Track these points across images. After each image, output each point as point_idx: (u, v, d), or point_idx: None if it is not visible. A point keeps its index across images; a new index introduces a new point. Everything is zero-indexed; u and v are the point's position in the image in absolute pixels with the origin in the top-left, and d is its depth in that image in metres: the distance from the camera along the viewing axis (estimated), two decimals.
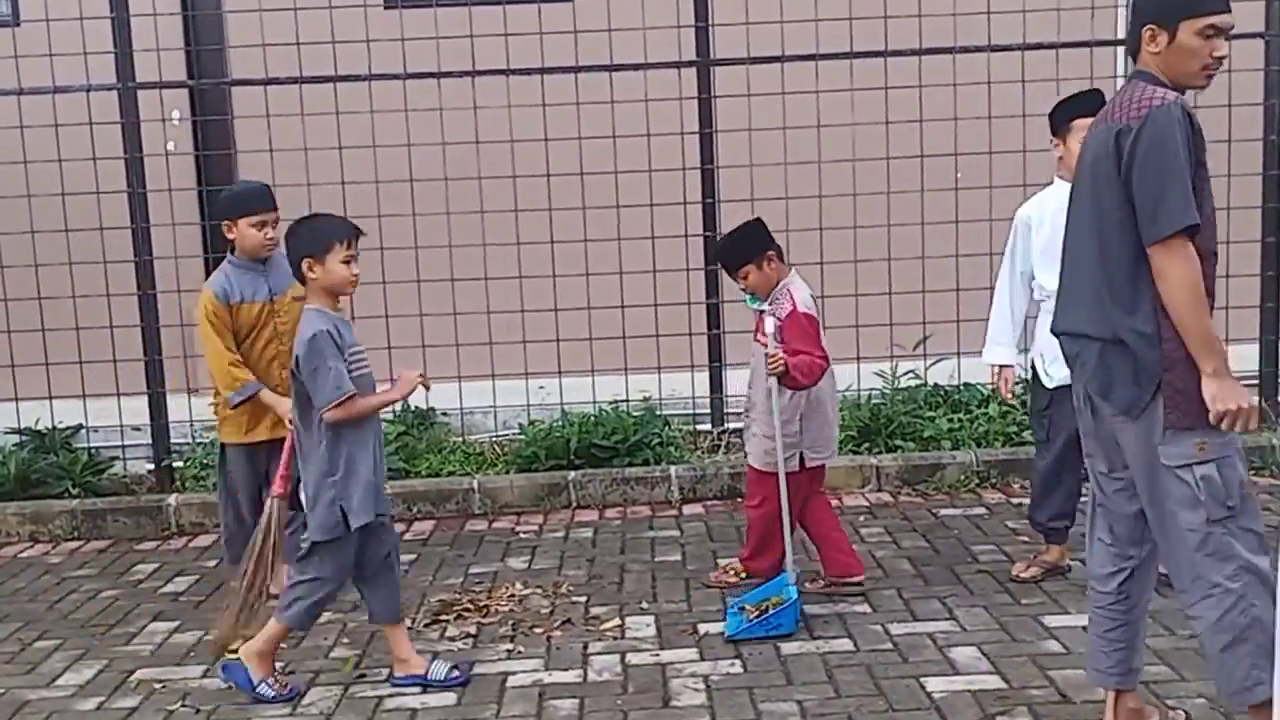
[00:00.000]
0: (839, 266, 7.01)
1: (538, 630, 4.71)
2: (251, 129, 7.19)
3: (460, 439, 7.14)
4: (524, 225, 6.90)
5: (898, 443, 6.68)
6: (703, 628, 4.65)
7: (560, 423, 6.90)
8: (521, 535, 6.01)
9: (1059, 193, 4.67)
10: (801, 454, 4.74)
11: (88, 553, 6.13)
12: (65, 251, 6.83)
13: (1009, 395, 5.19)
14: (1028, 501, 5.99)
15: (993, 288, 6.94)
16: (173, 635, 4.90)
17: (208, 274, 8.20)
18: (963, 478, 6.41)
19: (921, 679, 4.09)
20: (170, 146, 7.79)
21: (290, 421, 4.50)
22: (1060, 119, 4.76)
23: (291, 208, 6.77)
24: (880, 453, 6.62)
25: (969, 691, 3.98)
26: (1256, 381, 7.10)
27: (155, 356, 6.86)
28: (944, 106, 6.89)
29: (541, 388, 7.20)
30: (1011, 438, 6.74)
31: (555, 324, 7.00)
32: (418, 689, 4.22)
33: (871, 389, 7.11)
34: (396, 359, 6.84)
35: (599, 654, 4.46)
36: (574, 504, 6.41)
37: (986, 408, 6.93)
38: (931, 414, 6.85)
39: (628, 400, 7.06)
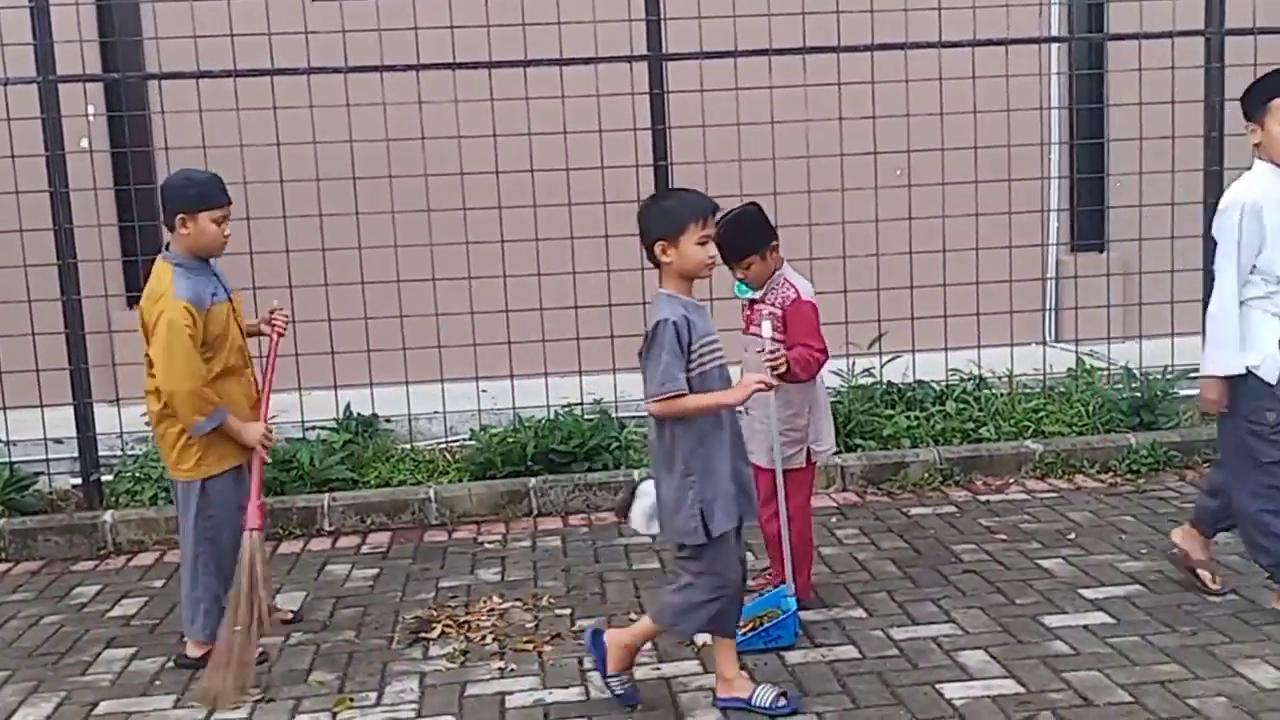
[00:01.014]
0: (794, 264, 6.91)
1: (527, 646, 4.52)
2: (176, 125, 6.85)
3: (408, 446, 6.90)
4: (473, 224, 6.68)
5: (857, 441, 6.62)
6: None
7: (514, 428, 6.69)
8: (486, 546, 5.79)
9: (1266, 176, 4.34)
10: (808, 449, 4.61)
11: (19, 575, 5.75)
12: None
13: (1224, 408, 4.43)
14: (994, 499, 6.03)
15: (945, 284, 7.00)
16: (131, 663, 4.59)
17: (128, 278, 7.93)
18: (926, 475, 6.37)
19: (937, 685, 4.00)
20: (83, 144, 7.41)
21: (264, 445, 4.27)
22: (1256, 101, 4.38)
23: None
24: (840, 452, 6.55)
25: (988, 697, 3.90)
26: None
27: (81, 365, 6.48)
28: (897, 102, 6.86)
29: (484, 390, 6.99)
30: (969, 434, 6.73)
31: (506, 326, 6.80)
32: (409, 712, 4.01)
33: (828, 388, 7.02)
34: (340, 364, 6.62)
35: (593, 670, 4.28)
36: (535, 511, 6.22)
37: (943, 404, 6.90)
38: (890, 412, 6.80)
39: (582, 404, 6.88)
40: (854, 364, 6.99)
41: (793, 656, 4.28)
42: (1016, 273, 7.21)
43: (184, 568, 4.52)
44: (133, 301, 8.01)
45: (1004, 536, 5.48)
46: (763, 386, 3.86)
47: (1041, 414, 6.89)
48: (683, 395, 3.70)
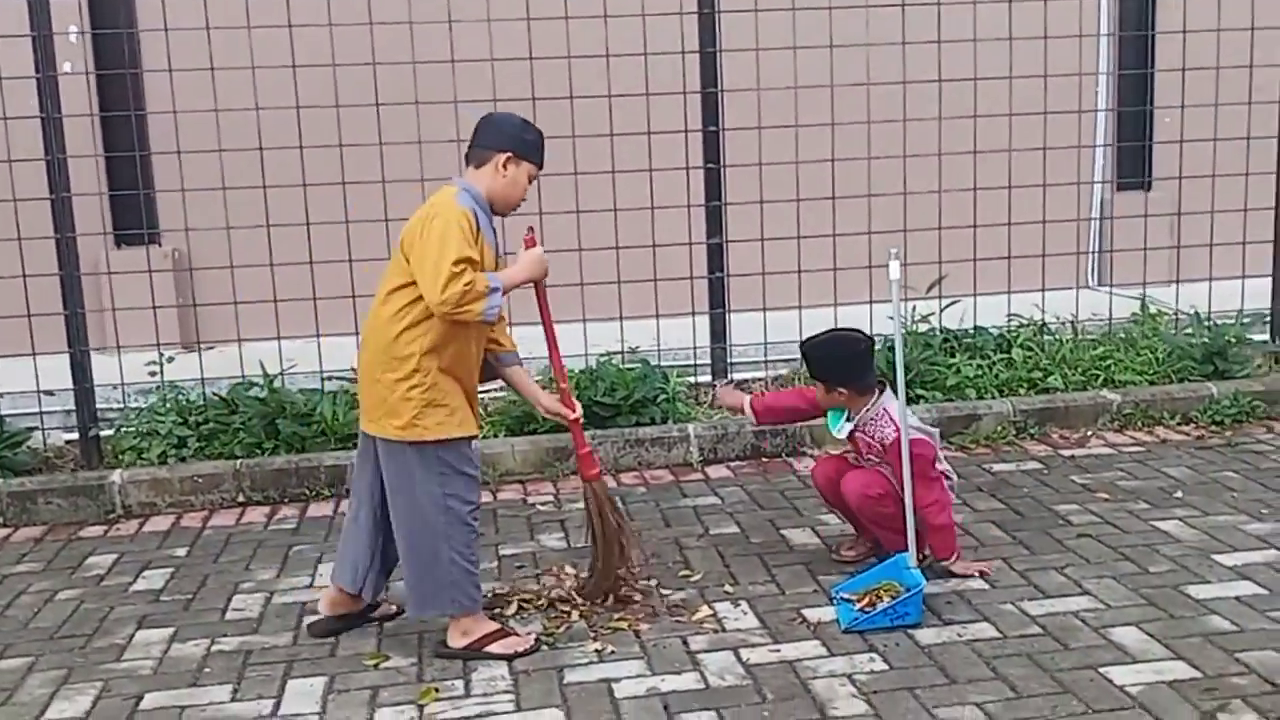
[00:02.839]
0: (851, 202, 6.46)
1: (620, 624, 4.04)
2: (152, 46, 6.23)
3: None
4: None
5: (919, 392, 6.18)
6: (810, 614, 4.06)
7: (552, 378, 6.17)
8: (539, 508, 5.30)
9: None
10: None
11: (21, 542, 5.18)
12: None
13: None
14: (1078, 454, 5.63)
15: (1010, 223, 6.55)
16: (172, 646, 4.06)
17: (116, 214, 7.29)
18: (999, 429, 5.96)
19: (1099, 669, 3.58)
20: (66, 67, 6.74)
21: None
22: None
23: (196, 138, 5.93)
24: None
25: (1163, 683, 3.49)
26: (1268, 318, 6.83)
27: (78, 310, 5.87)
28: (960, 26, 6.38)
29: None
30: (1035, 384, 6.31)
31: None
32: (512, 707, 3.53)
33: (877, 334, 6.57)
34: (360, 307, 6.05)
35: (706, 651, 3.83)
36: None
37: (1009, 352, 6.48)
38: (952, 360, 6.37)
39: (622, 352, 6.38)
40: (914, 309, 6.53)
41: (924, 636, 3.85)
42: (1058, 212, 6.77)
43: (411, 543, 3.82)
44: (122, 241, 7.44)
45: (1106, 496, 5.08)
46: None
47: (1109, 362, 6.48)
48: None
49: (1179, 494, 5.07)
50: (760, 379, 6.46)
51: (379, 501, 3.91)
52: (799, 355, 4.52)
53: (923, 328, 6.62)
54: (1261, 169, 6.68)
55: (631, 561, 4.23)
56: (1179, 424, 6.05)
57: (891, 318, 4.18)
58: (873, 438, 4.24)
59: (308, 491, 5.56)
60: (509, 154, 3.81)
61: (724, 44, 6.20)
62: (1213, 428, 5.99)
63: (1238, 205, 6.64)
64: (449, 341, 3.73)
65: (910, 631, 3.88)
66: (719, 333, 6.43)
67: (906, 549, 4.09)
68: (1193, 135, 6.66)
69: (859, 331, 4.43)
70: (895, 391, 4.23)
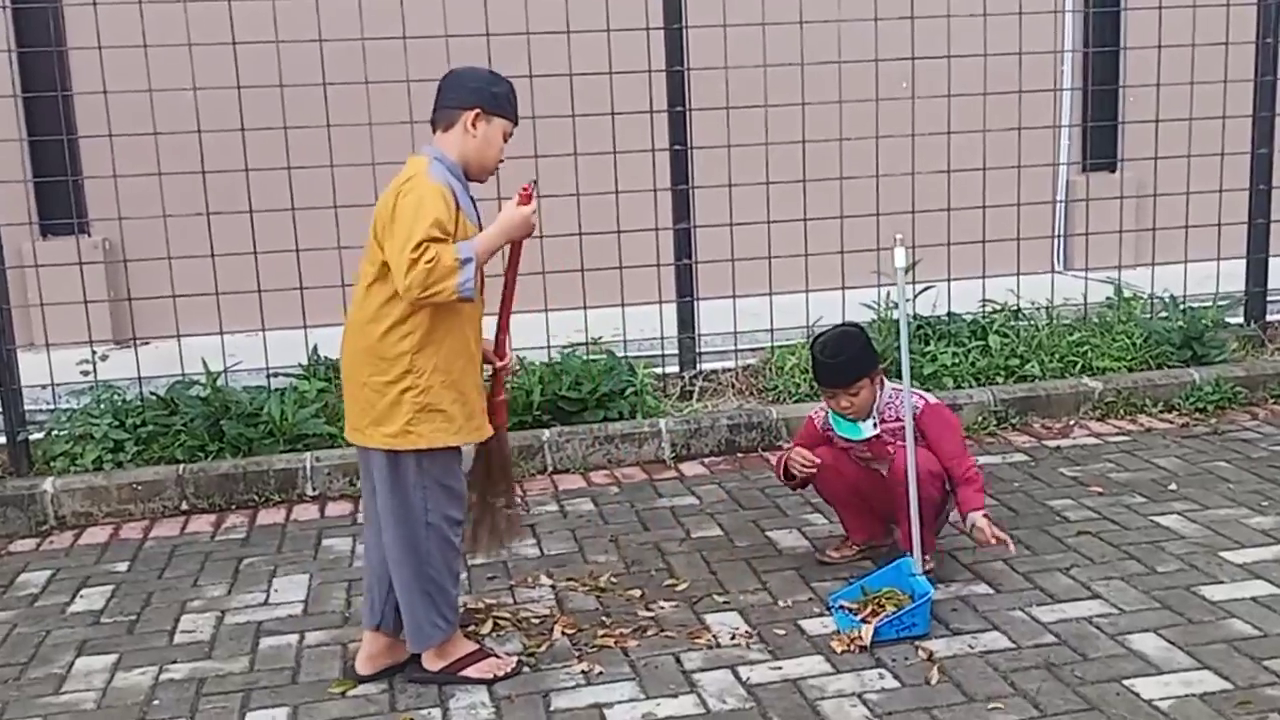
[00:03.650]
0: (822, 185, 6.21)
1: (606, 641, 3.76)
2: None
3: None
4: None
5: (895, 384, 5.93)
6: (807, 626, 3.81)
7: (516, 373, 5.87)
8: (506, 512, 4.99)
9: None
10: None
11: None
12: None
13: None
14: (1063, 444, 5.45)
15: (985, 206, 6.35)
16: (116, 675, 3.72)
17: (41, 203, 6.85)
18: (980, 419, 5.75)
19: (1125, 682, 3.37)
20: None
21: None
22: None
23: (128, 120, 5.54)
24: None
25: (1195, 696, 3.27)
26: (1243, 302, 6.69)
27: (2, 305, 5.46)
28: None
29: None
30: (1013, 371, 6.11)
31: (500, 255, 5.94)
32: None
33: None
34: (309, 300, 5.71)
35: (702, 670, 3.56)
36: (551, 468, 5.44)
37: (984, 339, 6.27)
38: (927, 348, 6.15)
39: (587, 343, 6.09)
40: (887, 295, 6.31)
41: (934, 647, 3.61)
42: (1031, 195, 6.56)
43: (403, 568, 3.46)
44: (49, 231, 7.00)
45: (1099, 489, 4.88)
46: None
47: (1085, 348, 6.30)
48: None
49: (1173, 486, 4.88)
50: (730, 369, 6.20)
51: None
52: (804, 356, 4.27)
53: (896, 314, 6.39)
54: (1236, 149, 6.53)
55: (506, 533, 3.91)
56: (1162, 411, 5.89)
57: (895, 304, 3.94)
58: (897, 419, 3.97)
59: (256, 498, 5.21)
60: (477, 110, 3.41)
61: (690, 20, 5.92)
62: (1197, 415, 5.82)
63: (1207, 186, 6.47)
64: (443, 334, 3.35)
65: (919, 643, 3.64)
66: (687, 321, 6.16)
67: (919, 544, 3.85)
68: (1163, 115, 6.48)
69: (848, 325, 4.26)
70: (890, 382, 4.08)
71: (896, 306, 6.18)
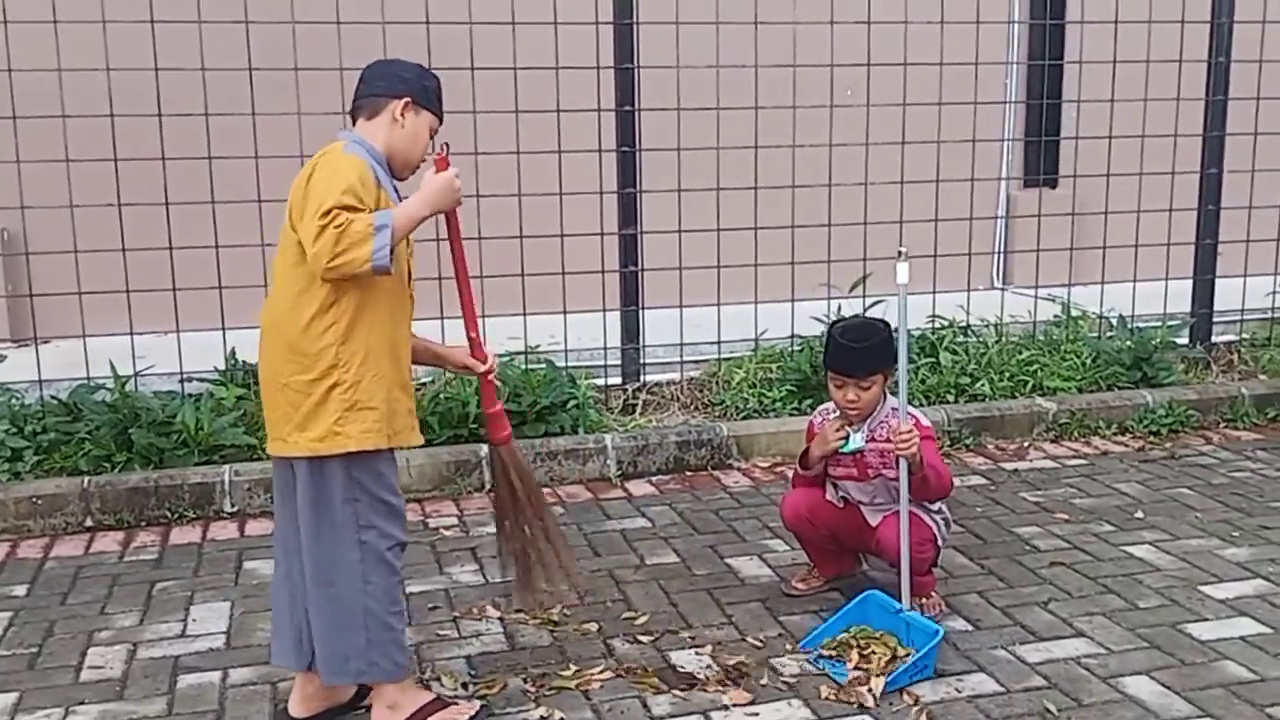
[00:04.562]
0: (774, 194, 5.98)
1: (567, 682, 3.46)
2: None
3: None
4: None
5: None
6: (782, 666, 3.55)
7: (447, 381, 5.53)
8: (444, 533, 4.68)
9: None
10: None
11: None
12: None
13: None
14: (1020, 467, 5.29)
15: (939, 219, 6.16)
16: (16, 718, 3.32)
17: None
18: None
19: None
20: None
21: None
22: None
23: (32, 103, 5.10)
24: None
25: None
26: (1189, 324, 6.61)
27: None
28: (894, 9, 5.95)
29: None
30: (964, 390, 5.94)
31: (437, 260, 5.60)
32: None
33: (796, 336, 6.11)
34: (228, 300, 5.31)
35: (672, 716, 3.28)
36: (489, 486, 5.11)
37: (934, 355, 6.09)
38: None
39: (525, 352, 5.78)
40: (839, 308, 6.08)
41: (920, 691, 3.37)
42: (964, 210, 6.38)
43: (321, 589, 3.12)
44: None
45: (1065, 516, 4.71)
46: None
47: (1035, 366, 6.15)
48: None
49: (1140, 514, 4.73)
50: (675, 381, 5.93)
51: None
52: (817, 352, 4.00)
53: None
54: (1186, 168, 6.44)
55: (565, 558, 3.51)
56: (1116, 434, 5.76)
57: (898, 322, 3.67)
58: (888, 440, 3.71)
59: (169, 514, 4.81)
60: (407, 99, 3.12)
61: (641, 15, 5.65)
62: (1152, 438, 5.71)
63: (1153, 205, 6.37)
64: (371, 322, 3.00)
65: (904, 687, 3.40)
66: (631, 331, 5.87)
67: (909, 591, 3.62)
68: (1104, 132, 6.35)
69: (872, 318, 4.14)
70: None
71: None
